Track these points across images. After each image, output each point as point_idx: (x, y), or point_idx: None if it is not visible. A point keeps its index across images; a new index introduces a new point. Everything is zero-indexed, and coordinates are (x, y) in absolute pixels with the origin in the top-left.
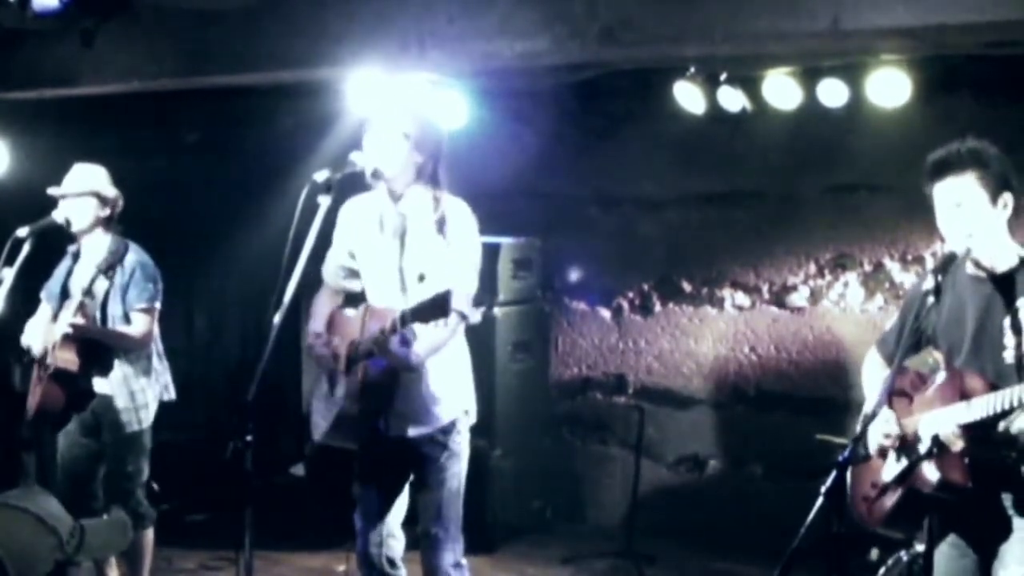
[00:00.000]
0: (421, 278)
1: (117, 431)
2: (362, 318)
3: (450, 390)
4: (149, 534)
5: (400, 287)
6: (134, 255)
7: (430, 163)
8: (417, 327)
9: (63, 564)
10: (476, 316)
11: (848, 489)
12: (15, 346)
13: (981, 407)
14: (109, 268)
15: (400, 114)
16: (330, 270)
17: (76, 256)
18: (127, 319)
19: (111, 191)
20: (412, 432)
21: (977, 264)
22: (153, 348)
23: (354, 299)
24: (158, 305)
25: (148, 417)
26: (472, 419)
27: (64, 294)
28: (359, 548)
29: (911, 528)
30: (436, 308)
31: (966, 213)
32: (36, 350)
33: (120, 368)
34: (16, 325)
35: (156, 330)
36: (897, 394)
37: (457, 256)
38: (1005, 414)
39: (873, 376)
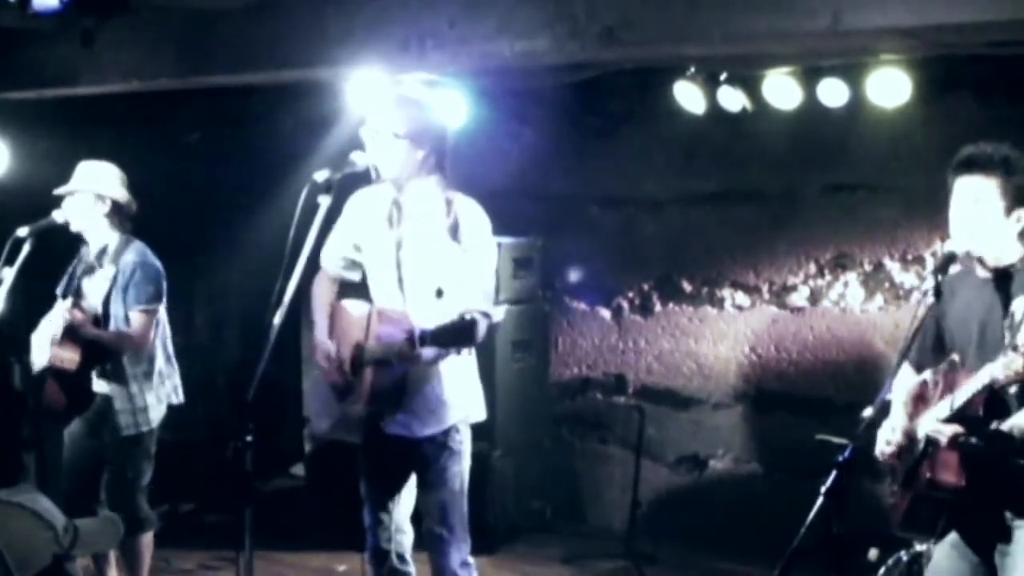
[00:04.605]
0: (439, 294)
1: (115, 433)
2: (367, 319)
3: (458, 394)
4: (149, 537)
5: (398, 285)
6: (134, 255)
7: (432, 156)
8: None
9: (60, 558)
10: (500, 314)
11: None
12: (15, 346)
13: (962, 394)
14: (97, 266)
15: (389, 115)
16: (331, 258)
17: (84, 255)
18: (128, 320)
19: (115, 192)
20: (413, 432)
21: (982, 264)
22: (157, 350)
23: (352, 288)
24: (159, 306)
25: (149, 420)
26: (481, 417)
27: (75, 293)
28: (369, 544)
29: (926, 532)
30: (459, 335)
31: (979, 213)
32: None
33: (119, 369)
34: (16, 325)
35: (166, 331)
36: (917, 400)
37: (473, 260)
38: (993, 406)
39: (900, 384)
